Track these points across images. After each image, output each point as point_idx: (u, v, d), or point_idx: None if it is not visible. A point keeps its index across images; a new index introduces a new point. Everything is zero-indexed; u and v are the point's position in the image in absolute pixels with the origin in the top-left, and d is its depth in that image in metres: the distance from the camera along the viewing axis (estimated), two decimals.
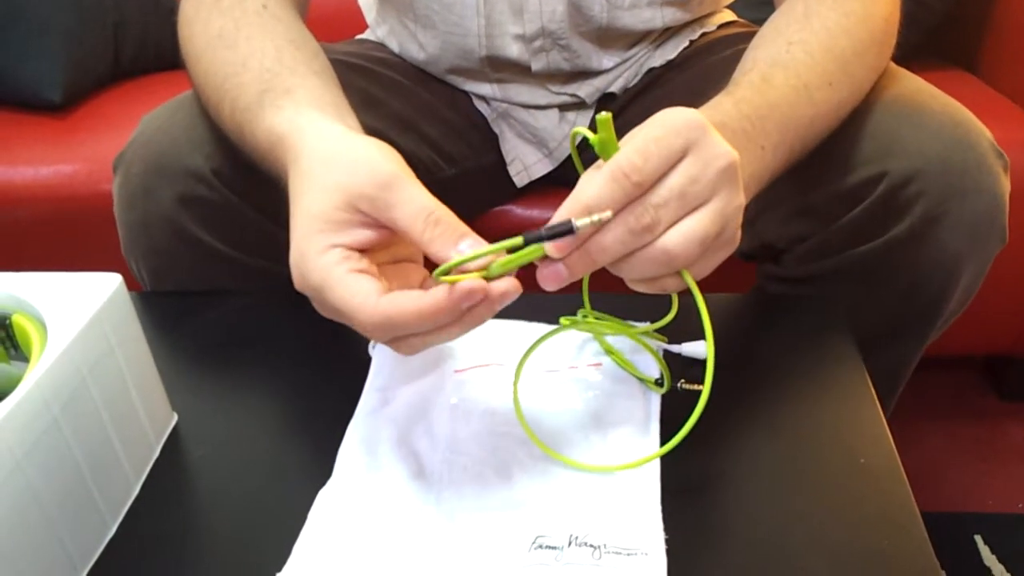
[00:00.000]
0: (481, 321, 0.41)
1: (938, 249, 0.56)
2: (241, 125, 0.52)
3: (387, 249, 0.45)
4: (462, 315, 0.40)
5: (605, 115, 0.40)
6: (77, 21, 1.21)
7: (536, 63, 0.77)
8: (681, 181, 0.40)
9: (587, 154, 0.41)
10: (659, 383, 0.51)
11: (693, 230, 0.40)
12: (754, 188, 0.48)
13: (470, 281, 0.39)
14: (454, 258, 0.40)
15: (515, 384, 0.48)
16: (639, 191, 0.39)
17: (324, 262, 0.41)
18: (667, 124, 0.40)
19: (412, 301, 0.39)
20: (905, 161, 0.55)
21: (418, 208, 0.41)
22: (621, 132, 0.43)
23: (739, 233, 0.43)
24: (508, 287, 0.40)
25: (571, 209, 0.39)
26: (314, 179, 0.43)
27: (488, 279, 0.40)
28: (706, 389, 0.45)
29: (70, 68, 1.19)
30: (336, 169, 0.43)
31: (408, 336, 0.41)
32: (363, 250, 0.42)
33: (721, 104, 0.49)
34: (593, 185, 0.39)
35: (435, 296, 0.39)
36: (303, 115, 0.48)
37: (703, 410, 0.45)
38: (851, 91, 0.55)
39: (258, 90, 0.51)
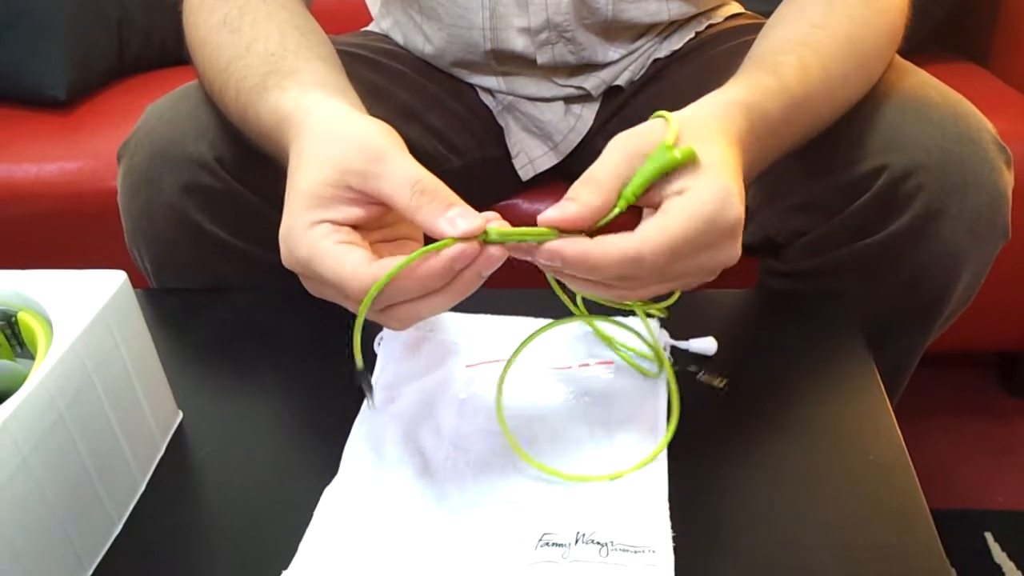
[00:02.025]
0: (470, 289, 0.41)
1: (939, 244, 0.56)
2: (245, 107, 0.52)
3: (384, 228, 0.45)
4: (452, 280, 0.40)
5: (693, 151, 0.41)
6: (80, 18, 1.21)
7: (541, 56, 0.76)
8: (680, 270, 0.41)
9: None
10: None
11: (651, 292, 0.42)
12: (753, 177, 0.48)
13: (460, 244, 0.39)
14: (442, 227, 0.39)
15: (499, 388, 0.47)
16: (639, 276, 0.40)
17: (311, 236, 0.41)
18: (710, 227, 0.40)
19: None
20: (905, 155, 0.55)
21: (406, 177, 0.41)
22: (625, 124, 0.43)
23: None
24: (493, 250, 0.40)
25: (575, 259, 0.39)
26: (308, 155, 0.43)
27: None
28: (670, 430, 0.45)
29: (74, 65, 1.19)
30: (330, 145, 0.43)
31: (399, 304, 0.41)
32: (354, 227, 0.42)
33: (772, 93, 0.48)
34: (605, 255, 0.39)
35: (426, 260, 0.39)
36: (307, 95, 0.49)
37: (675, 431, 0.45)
38: (860, 87, 0.55)
39: (263, 72, 0.51)
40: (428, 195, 0.40)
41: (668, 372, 0.48)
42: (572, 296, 0.51)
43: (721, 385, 0.50)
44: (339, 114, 0.46)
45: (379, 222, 0.44)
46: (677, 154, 0.40)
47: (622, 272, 0.40)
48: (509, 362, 0.48)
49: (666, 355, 0.53)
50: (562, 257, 0.40)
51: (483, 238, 0.40)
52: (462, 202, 0.41)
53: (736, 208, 0.41)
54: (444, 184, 0.41)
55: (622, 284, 0.41)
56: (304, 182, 0.42)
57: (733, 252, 0.42)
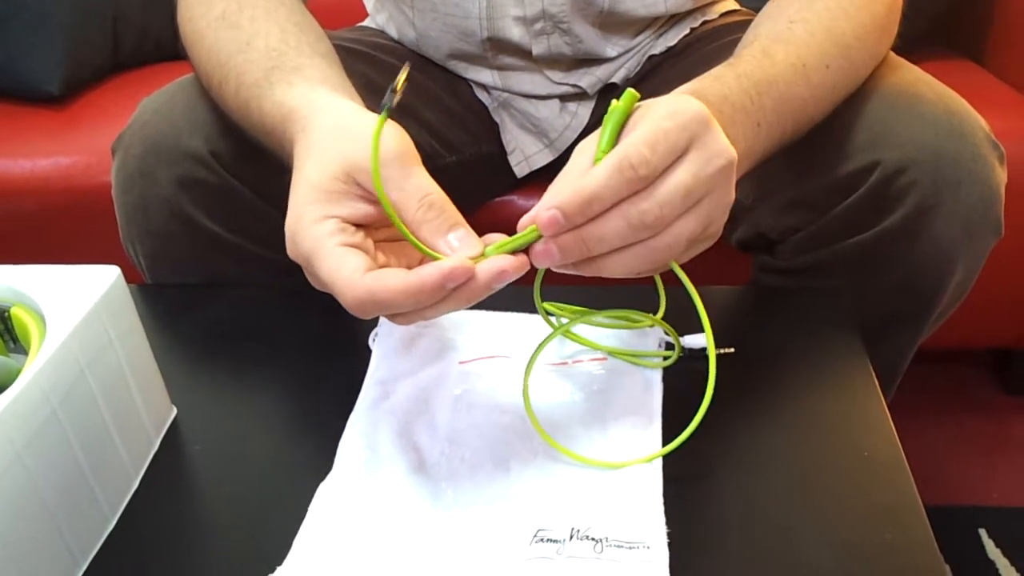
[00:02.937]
0: (476, 298, 0.40)
1: (931, 240, 0.56)
2: (248, 101, 0.52)
3: (388, 227, 0.44)
4: (450, 293, 0.39)
5: (633, 91, 0.41)
6: (75, 13, 1.20)
7: (537, 47, 0.76)
8: (686, 179, 0.40)
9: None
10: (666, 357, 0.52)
11: (683, 229, 0.40)
12: (746, 165, 0.48)
13: (453, 260, 0.39)
14: (442, 248, 0.40)
15: (525, 381, 0.47)
16: (643, 184, 0.39)
17: (317, 232, 0.41)
18: (675, 117, 0.40)
19: (396, 279, 0.39)
20: (898, 151, 0.55)
21: (415, 189, 0.41)
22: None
23: (722, 228, 0.43)
24: (507, 265, 0.39)
25: (572, 201, 0.39)
26: (318, 149, 0.43)
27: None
28: (711, 382, 0.45)
29: (68, 60, 1.18)
30: (341, 141, 0.43)
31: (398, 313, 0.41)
32: (360, 225, 0.42)
33: (724, 76, 0.48)
34: (597, 175, 0.39)
35: (420, 275, 0.38)
36: (315, 91, 0.49)
37: (710, 403, 0.45)
38: (847, 76, 0.55)
39: (266, 67, 0.51)
40: (434, 211, 0.40)
41: (712, 360, 0.45)
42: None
43: (731, 351, 0.51)
44: (350, 111, 0.46)
45: (384, 221, 0.44)
46: (621, 103, 0.41)
47: (617, 183, 0.38)
48: (529, 364, 0.47)
49: (663, 353, 0.53)
50: (562, 212, 0.38)
51: (479, 259, 0.40)
52: (465, 223, 0.41)
53: (693, 101, 0.40)
54: (450, 201, 0.41)
55: (638, 225, 0.39)
56: (314, 174, 0.42)
57: (718, 145, 0.40)
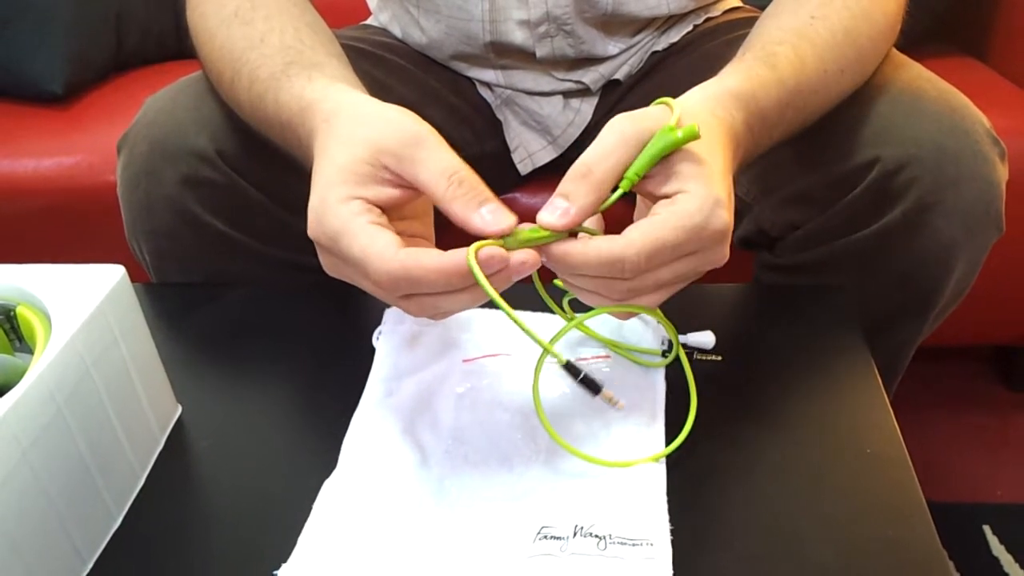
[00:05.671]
0: (503, 285, 0.41)
1: (932, 237, 0.56)
2: (263, 94, 0.52)
3: (402, 220, 0.45)
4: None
5: (695, 128, 0.41)
6: (78, 12, 1.20)
7: (540, 49, 0.76)
8: (668, 276, 0.41)
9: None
10: (664, 354, 0.52)
11: (648, 301, 0.42)
12: (742, 169, 0.49)
13: (493, 247, 0.39)
14: (475, 222, 0.40)
15: (536, 378, 0.47)
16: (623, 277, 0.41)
17: (345, 211, 0.41)
18: (697, 232, 0.40)
19: (432, 258, 0.39)
20: (898, 147, 0.55)
21: (444, 167, 0.41)
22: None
23: None
24: (527, 257, 0.40)
25: (563, 259, 0.40)
26: (344, 134, 0.44)
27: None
28: (692, 392, 0.45)
29: (71, 60, 1.19)
30: (365, 125, 0.43)
31: (422, 295, 0.41)
32: (383, 209, 0.43)
33: (768, 83, 0.48)
34: (591, 256, 0.40)
35: (455, 257, 0.39)
36: (334, 86, 0.49)
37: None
38: (856, 80, 0.55)
39: (283, 61, 0.52)
40: (464, 187, 0.41)
41: (686, 366, 0.47)
42: (558, 300, 0.52)
43: (719, 358, 0.52)
44: (370, 102, 0.47)
45: (400, 212, 0.44)
46: (679, 134, 0.41)
47: (603, 273, 0.40)
48: (540, 360, 0.47)
49: (663, 349, 0.53)
50: (546, 254, 0.41)
51: (507, 242, 0.40)
52: (495, 197, 0.41)
53: (722, 218, 0.41)
54: (478, 176, 0.41)
55: (606, 289, 0.42)
56: (341, 157, 0.43)
57: (720, 255, 0.42)
